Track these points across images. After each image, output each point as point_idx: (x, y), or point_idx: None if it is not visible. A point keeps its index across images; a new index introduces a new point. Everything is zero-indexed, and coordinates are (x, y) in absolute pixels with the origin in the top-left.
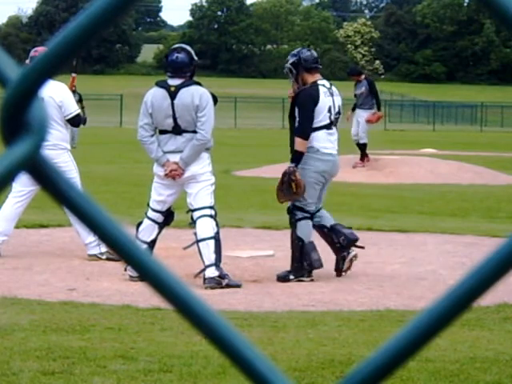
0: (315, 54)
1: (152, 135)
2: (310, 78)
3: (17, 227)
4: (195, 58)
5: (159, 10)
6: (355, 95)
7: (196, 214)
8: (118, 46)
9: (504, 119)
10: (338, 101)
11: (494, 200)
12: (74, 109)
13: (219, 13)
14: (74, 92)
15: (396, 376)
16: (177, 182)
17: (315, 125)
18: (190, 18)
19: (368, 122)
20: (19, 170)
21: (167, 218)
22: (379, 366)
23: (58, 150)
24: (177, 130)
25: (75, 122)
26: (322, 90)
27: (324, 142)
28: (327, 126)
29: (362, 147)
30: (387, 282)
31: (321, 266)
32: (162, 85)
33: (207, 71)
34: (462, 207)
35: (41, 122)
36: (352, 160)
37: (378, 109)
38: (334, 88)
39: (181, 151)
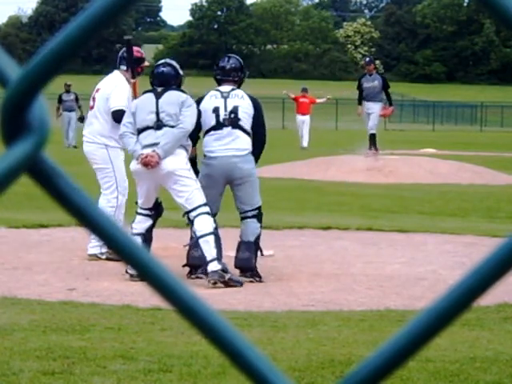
0: (222, 63)
1: (132, 133)
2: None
3: (17, 227)
4: (181, 71)
5: (159, 9)
6: (362, 87)
7: (192, 214)
8: (118, 46)
9: (504, 119)
10: (236, 102)
11: (494, 200)
12: (116, 104)
13: (219, 13)
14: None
15: (396, 376)
16: (154, 177)
17: (204, 129)
18: (190, 18)
19: (382, 116)
20: (20, 171)
21: (156, 210)
22: (379, 366)
23: (95, 144)
24: (158, 125)
25: (114, 117)
26: (209, 94)
27: (210, 145)
28: (214, 128)
29: (373, 137)
30: (387, 282)
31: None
32: (149, 90)
33: (207, 71)
34: (462, 207)
35: (41, 121)
36: (350, 160)
37: (391, 104)
38: (235, 92)
39: (157, 144)
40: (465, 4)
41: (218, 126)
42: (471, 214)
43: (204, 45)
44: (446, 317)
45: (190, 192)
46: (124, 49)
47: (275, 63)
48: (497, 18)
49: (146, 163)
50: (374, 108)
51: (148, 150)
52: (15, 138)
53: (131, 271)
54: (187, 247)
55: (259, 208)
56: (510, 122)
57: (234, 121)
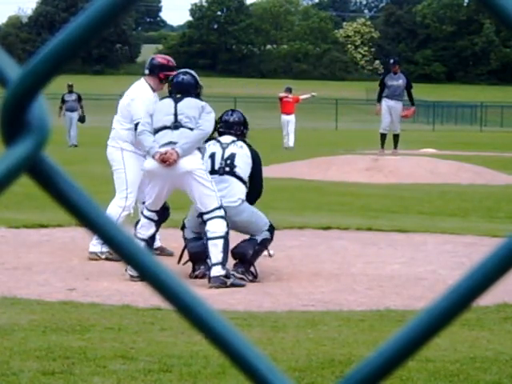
0: (226, 117)
1: (150, 132)
2: None
3: (17, 227)
4: (200, 82)
5: (159, 9)
6: (384, 84)
7: (206, 217)
8: (118, 46)
9: (504, 119)
10: (234, 150)
11: (494, 200)
12: (137, 116)
13: (219, 13)
14: (70, 92)
15: (396, 376)
16: (170, 176)
17: None
18: (190, 18)
19: (404, 116)
20: (20, 171)
21: (162, 214)
22: (379, 366)
23: (114, 147)
24: (175, 125)
25: (136, 128)
26: (208, 143)
27: None
28: (211, 172)
29: (397, 137)
30: (387, 282)
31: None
32: (168, 96)
33: (207, 71)
34: (462, 207)
35: (41, 121)
36: (350, 160)
37: (412, 104)
38: (238, 143)
39: (174, 143)
40: (465, 4)
41: (213, 172)
42: (471, 213)
43: (204, 45)
44: (446, 317)
45: (205, 194)
46: (152, 56)
47: (275, 63)
48: (496, 19)
49: (165, 159)
50: (397, 108)
51: (166, 149)
52: (15, 138)
53: (131, 271)
54: (183, 259)
55: (270, 226)
56: (510, 122)
57: (229, 168)
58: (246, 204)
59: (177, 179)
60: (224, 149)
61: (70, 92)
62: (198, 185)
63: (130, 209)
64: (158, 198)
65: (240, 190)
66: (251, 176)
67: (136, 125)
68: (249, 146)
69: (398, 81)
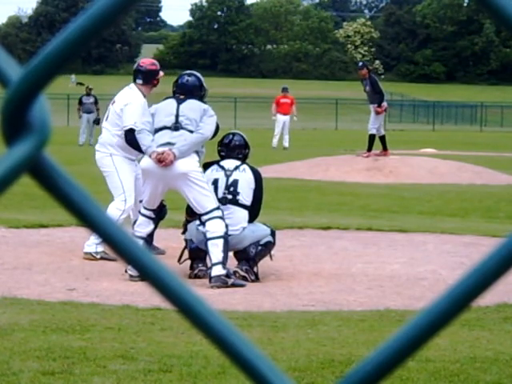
0: (226, 140)
1: (149, 131)
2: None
3: (17, 227)
4: (205, 85)
5: (159, 9)
6: (364, 91)
7: (204, 218)
8: (118, 46)
9: (504, 119)
10: (237, 176)
11: (494, 200)
12: (128, 122)
13: (219, 13)
14: (88, 95)
15: (396, 376)
16: (165, 177)
17: None
18: (190, 18)
19: (377, 114)
20: (21, 171)
21: (160, 213)
22: (379, 366)
23: (103, 153)
24: (175, 126)
25: (126, 136)
26: (212, 168)
27: None
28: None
29: (370, 138)
30: (387, 282)
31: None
32: (171, 96)
33: (207, 71)
34: (462, 207)
35: (42, 122)
36: (350, 160)
37: (379, 105)
38: (241, 167)
39: (172, 144)
40: (465, 4)
41: (219, 199)
42: (471, 213)
43: (204, 45)
44: (446, 317)
45: (202, 195)
46: (139, 61)
47: (275, 63)
48: (496, 19)
49: (162, 160)
50: (372, 111)
51: (163, 149)
52: (16, 138)
53: (131, 272)
54: (183, 257)
55: (271, 231)
56: (510, 122)
57: (232, 196)
58: (247, 228)
59: (171, 180)
60: (228, 176)
61: (88, 95)
62: (195, 186)
63: (128, 211)
64: (152, 196)
65: (242, 218)
66: (252, 198)
67: (127, 131)
68: (251, 167)
69: (366, 87)
